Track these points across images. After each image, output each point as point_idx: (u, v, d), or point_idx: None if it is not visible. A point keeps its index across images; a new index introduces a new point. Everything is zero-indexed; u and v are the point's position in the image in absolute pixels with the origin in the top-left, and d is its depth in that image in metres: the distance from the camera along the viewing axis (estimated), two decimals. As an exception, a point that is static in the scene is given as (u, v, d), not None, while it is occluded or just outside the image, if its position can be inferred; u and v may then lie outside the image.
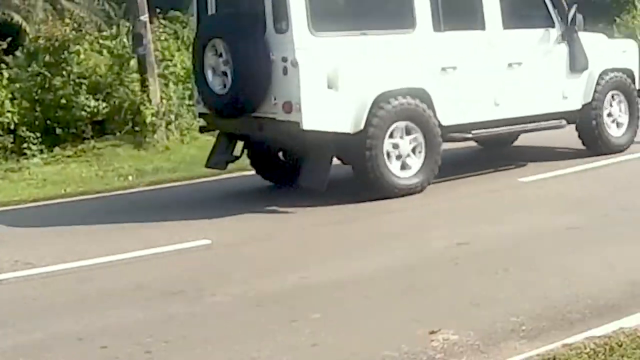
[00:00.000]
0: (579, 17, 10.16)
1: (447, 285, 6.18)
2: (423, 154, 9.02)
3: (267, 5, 8.40)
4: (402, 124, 8.84)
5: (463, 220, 8.20)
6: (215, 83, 8.90)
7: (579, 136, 10.76)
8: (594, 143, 10.62)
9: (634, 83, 10.97)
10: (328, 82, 8.37)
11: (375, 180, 8.76)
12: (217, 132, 9.99)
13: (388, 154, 8.82)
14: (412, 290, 6.10)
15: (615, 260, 6.53)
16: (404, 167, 8.99)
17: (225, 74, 8.77)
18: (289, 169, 9.69)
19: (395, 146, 8.88)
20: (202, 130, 10.21)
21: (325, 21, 8.42)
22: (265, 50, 8.37)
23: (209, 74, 8.93)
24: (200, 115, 9.85)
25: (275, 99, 8.45)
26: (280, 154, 9.88)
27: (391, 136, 8.83)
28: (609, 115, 10.79)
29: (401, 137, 8.90)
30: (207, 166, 9.93)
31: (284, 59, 8.30)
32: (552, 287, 5.93)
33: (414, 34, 9.03)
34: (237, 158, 9.74)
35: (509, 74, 9.71)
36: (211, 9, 9.28)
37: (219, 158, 9.64)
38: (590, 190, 9.33)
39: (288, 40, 8.27)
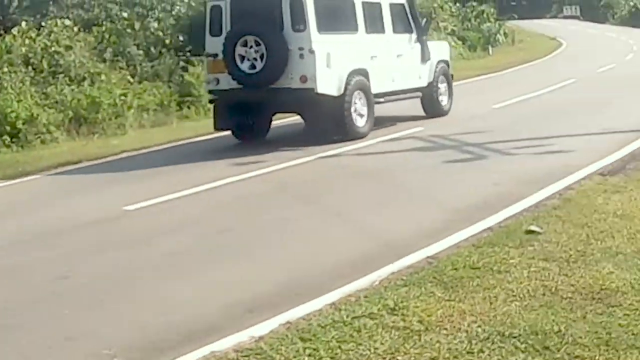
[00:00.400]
0: (427, 26, 16.37)
1: (43, 321, 5.90)
2: (367, 112, 13.72)
3: (285, 14, 12.72)
4: (357, 92, 13.45)
5: (60, 252, 7.87)
6: (245, 66, 12.89)
7: (422, 105, 16.05)
8: (433, 109, 16.02)
9: (449, 70, 16.74)
10: (326, 63, 12.85)
11: (349, 129, 13.28)
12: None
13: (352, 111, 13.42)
14: (8, 329, 5.77)
15: (215, 283, 6.59)
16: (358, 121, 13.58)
17: (255, 59, 12.82)
18: (255, 130, 14.08)
19: (355, 106, 13.42)
20: (211, 102, 14.22)
21: (323, 25, 12.98)
22: (285, 43, 12.68)
23: (238, 61, 12.87)
24: (210, 91, 14.00)
25: (291, 75, 12.74)
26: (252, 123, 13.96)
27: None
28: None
29: (357, 100, 13.52)
30: (216, 129, 14.21)
31: (301, 49, 12.68)
32: (147, 317, 5.86)
33: (357, 34, 13.96)
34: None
35: (398, 61, 14.96)
36: (226, 20, 13.27)
37: (226, 123, 13.93)
38: (193, 214, 9.39)
39: (306, 36, 12.71)
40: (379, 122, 14.38)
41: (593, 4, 74.02)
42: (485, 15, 46.84)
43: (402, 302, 5.53)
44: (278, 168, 11.52)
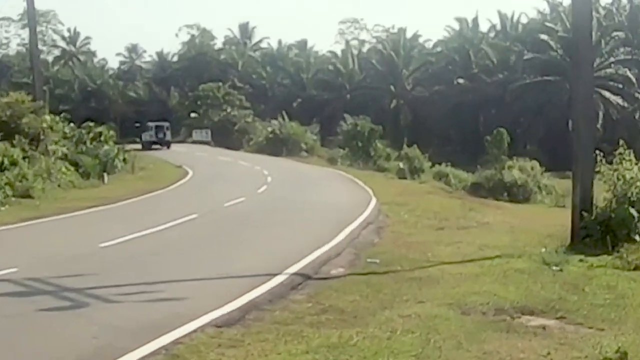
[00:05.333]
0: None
1: None
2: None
3: (166, 127, 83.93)
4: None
5: None
6: (155, 136, 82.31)
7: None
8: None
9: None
10: (170, 134, 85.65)
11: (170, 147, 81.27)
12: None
13: None
14: None
15: None
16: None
17: (161, 134, 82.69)
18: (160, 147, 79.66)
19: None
20: (142, 146, 77.50)
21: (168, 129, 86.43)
22: (165, 132, 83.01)
23: (154, 135, 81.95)
24: (145, 141, 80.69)
25: (166, 137, 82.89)
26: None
27: None
28: None
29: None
30: (142, 149, 73.01)
31: (167, 133, 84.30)
32: None
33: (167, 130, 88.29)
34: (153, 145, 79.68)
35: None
36: (152, 128, 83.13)
37: (147, 147, 76.48)
38: None
39: (168, 131, 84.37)
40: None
41: (227, 128, 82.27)
42: (103, 137, 46.51)
43: None
44: None
